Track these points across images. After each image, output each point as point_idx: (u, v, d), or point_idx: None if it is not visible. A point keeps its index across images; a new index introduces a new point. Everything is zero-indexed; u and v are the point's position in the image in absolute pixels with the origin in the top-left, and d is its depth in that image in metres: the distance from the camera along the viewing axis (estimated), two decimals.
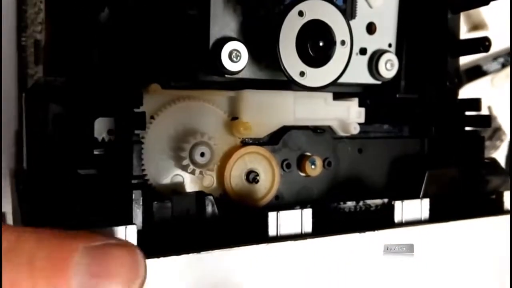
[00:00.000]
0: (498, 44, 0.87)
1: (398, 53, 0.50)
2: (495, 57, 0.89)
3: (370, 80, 0.50)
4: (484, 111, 0.51)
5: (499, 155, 0.89)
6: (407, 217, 0.43)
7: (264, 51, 0.43)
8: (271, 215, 0.38)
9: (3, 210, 0.72)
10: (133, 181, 0.37)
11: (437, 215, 0.44)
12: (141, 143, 0.38)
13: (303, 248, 0.39)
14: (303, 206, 0.42)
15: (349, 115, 0.50)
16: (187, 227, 0.39)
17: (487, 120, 0.51)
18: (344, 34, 0.44)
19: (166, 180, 0.43)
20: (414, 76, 0.52)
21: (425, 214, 0.44)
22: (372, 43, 0.49)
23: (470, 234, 0.45)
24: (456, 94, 0.52)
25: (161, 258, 0.34)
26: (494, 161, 0.51)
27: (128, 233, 0.34)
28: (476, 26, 0.87)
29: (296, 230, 0.39)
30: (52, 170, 0.40)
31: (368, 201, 0.49)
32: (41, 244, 0.27)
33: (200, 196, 0.40)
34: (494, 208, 0.48)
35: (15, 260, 0.27)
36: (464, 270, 0.45)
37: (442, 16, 0.50)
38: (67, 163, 0.41)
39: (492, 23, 0.86)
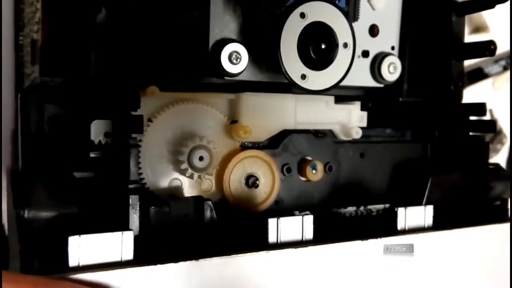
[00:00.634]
0: (500, 47, 0.86)
1: (400, 56, 0.49)
2: (496, 60, 0.88)
3: (372, 83, 0.49)
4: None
5: (500, 159, 0.88)
6: (410, 224, 0.42)
7: (264, 53, 0.42)
8: (271, 222, 0.38)
9: None
10: (130, 186, 0.36)
11: (440, 222, 0.43)
12: (138, 147, 0.37)
13: (304, 255, 0.38)
14: (303, 211, 0.41)
15: (351, 119, 0.49)
16: (185, 233, 0.38)
17: (492, 125, 0.50)
18: (347, 36, 0.43)
19: (164, 184, 0.42)
20: (417, 80, 0.51)
21: (429, 221, 0.43)
22: (375, 46, 0.49)
23: (473, 241, 0.44)
24: (460, 98, 0.51)
25: (159, 266, 0.33)
26: (498, 167, 0.50)
27: (124, 239, 0.33)
28: (477, 28, 0.86)
29: (297, 237, 0.38)
30: (48, 172, 0.39)
31: (370, 207, 0.48)
32: None
33: (198, 201, 0.39)
34: (498, 215, 0.47)
35: None
36: (467, 277, 0.44)
37: (447, 19, 0.49)
38: (63, 165, 0.40)
39: (494, 25, 0.85)
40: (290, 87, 0.43)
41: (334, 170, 0.48)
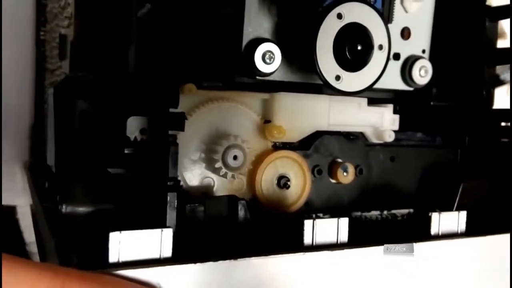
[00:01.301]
0: None
1: (431, 60, 0.49)
2: None
3: (402, 86, 0.49)
4: None
5: None
6: (444, 229, 0.42)
7: (298, 53, 0.42)
8: (307, 223, 0.37)
9: (13, 203, 0.72)
10: (168, 183, 0.36)
11: (472, 228, 0.43)
12: (177, 144, 0.37)
13: (339, 257, 0.37)
14: (334, 214, 0.41)
15: (383, 122, 0.49)
16: (219, 231, 0.38)
17: None
18: (382, 38, 0.42)
19: (196, 182, 0.42)
20: (448, 84, 0.50)
21: (462, 227, 0.43)
22: (406, 49, 0.48)
23: (505, 248, 0.44)
24: (491, 103, 0.51)
25: (198, 264, 0.33)
26: None
27: (164, 236, 0.33)
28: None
29: (332, 239, 0.38)
30: (82, 168, 0.39)
31: (394, 211, 0.48)
32: None
33: (232, 200, 0.39)
34: None
35: None
36: (500, 283, 0.44)
37: (480, 24, 0.49)
38: (97, 161, 0.40)
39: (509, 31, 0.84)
40: (322, 88, 0.43)
41: (365, 173, 0.48)
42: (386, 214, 0.47)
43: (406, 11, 0.48)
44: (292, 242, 0.37)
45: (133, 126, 0.39)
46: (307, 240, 0.37)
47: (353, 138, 0.47)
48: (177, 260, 0.33)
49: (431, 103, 0.50)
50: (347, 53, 0.41)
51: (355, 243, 0.38)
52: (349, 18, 0.41)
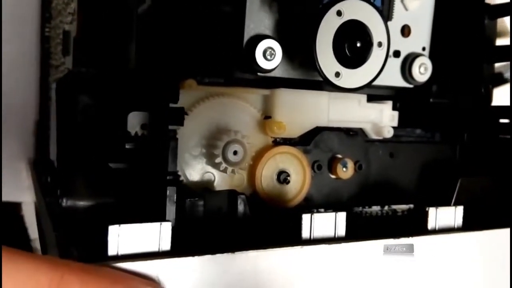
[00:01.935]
0: None
1: (431, 57, 0.49)
2: None
3: (402, 83, 0.49)
4: None
5: None
6: (441, 224, 0.42)
7: (298, 50, 0.42)
8: (305, 217, 0.38)
9: (18, 200, 0.72)
10: (168, 177, 0.36)
11: (469, 224, 0.43)
12: (176, 139, 0.37)
13: (337, 251, 0.38)
14: (333, 209, 0.41)
15: (383, 118, 0.49)
16: (218, 225, 0.38)
17: None
18: (382, 35, 0.43)
19: (196, 177, 0.42)
20: (447, 81, 0.51)
21: (459, 222, 0.43)
22: (406, 46, 0.49)
23: (503, 243, 0.44)
24: (490, 100, 0.51)
25: (196, 257, 0.33)
26: None
27: (163, 230, 0.33)
28: (499, 33, 0.86)
29: (330, 233, 0.39)
30: (83, 162, 0.39)
31: (394, 206, 0.48)
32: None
33: (232, 194, 0.40)
34: None
35: None
36: (497, 277, 0.44)
37: (479, 22, 0.49)
38: (98, 156, 0.40)
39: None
40: (321, 85, 0.43)
41: (364, 169, 0.48)
42: (385, 209, 0.48)
43: (406, 9, 0.48)
44: (290, 236, 0.38)
45: (134, 121, 0.39)
46: (305, 233, 0.38)
47: (353, 134, 0.48)
48: (176, 253, 0.33)
49: (431, 100, 0.50)
50: (347, 50, 0.41)
51: (353, 237, 0.39)
52: (348, 15, 0.41)
